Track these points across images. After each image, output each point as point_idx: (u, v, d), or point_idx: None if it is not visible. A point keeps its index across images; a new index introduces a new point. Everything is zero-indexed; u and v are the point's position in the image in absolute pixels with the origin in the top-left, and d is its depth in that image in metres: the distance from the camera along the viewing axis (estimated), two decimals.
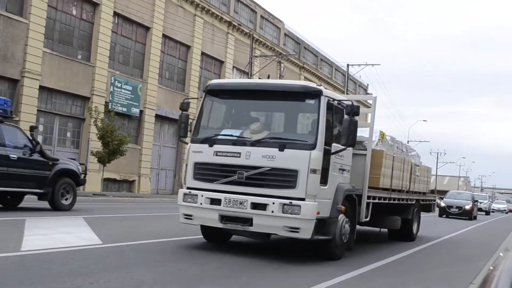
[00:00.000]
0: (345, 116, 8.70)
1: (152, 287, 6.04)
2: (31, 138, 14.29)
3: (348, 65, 55.76)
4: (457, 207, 32.52)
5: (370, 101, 11.41)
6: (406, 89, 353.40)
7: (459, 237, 18.37)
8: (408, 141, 78.82)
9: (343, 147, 8.71)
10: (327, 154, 8.52)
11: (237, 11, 45.07)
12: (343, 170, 9.27)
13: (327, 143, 8.54)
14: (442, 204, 33.09)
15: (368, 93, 77.41)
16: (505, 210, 71.73)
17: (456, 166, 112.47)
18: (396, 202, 12.43)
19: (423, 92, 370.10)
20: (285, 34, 54.42)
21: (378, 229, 14.71)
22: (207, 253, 9.03)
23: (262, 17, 49.19)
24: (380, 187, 11.26)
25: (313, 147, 8.25)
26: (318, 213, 8.24)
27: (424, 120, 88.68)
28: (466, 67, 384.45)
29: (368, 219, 10.48)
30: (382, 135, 11.84)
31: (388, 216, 12.93)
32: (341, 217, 8.87)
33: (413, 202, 14.01)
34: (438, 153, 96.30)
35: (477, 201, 36.19)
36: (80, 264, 7.08)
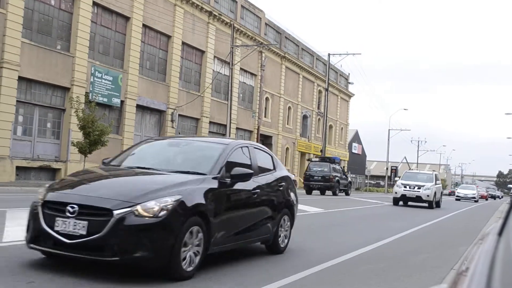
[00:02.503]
0: None
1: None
2: None
3: (329, 54, 55.93)
4: None
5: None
6: (388, 78, 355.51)
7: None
8: (389, 130, 79.53)
9: None
10: None
11: (217, 0, 44.85)
12: None
13: None
14: None
15: (349, 82, 77.73)
16: (474, 198, 53.68)
17: (436, 154, 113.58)
18: None
19: (404, 81, 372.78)
20: (266, 24, 54.34)
21: None
22: None
23: (242, 6, 49.03)
24: None
25: None
26: None
27: (405, 109, 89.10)
28: (448, 57, 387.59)
29: None
30: None
31: None
32: None
33: None
34: (419, 141, 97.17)
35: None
36: None
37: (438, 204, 30.12)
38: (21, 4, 26.70)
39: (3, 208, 11.85)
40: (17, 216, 10.87)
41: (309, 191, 39.43)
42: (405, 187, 28.62)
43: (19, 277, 5.62)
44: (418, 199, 28.17)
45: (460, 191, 55.54)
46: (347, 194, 42.18)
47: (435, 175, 30.76)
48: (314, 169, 40.28)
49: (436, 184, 29.53)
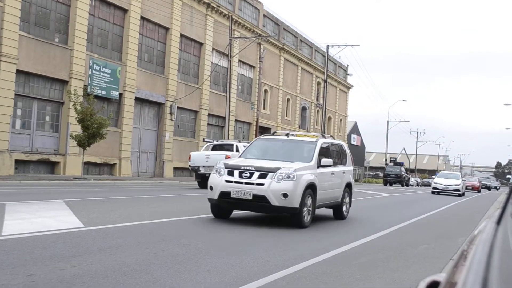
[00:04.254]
0: None
1: (134, 268, 6.06)
2: None
3: (328, 46, 55.77)
4: None
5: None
6: (386, 70, 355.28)
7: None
8: (388, 121, 79.54)
9: None
10: None
11: None
12: None
13: None
14: None
15: (348, 74, 77.61)
16: (457, 191, 37.60)
17: (435, 145, 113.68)
18: None
19: (402, 73, 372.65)
20: (264, 15, 54.18)
21: None
22: (190, 234, 9.06)
23: None
24: None
25: None
26: None
27: (403, 100, 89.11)
28: (445, 47, 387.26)
29: None
30: None
31: None
32: None
33: None
34: (418, 132, 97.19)
35: None
36: (62, 247, 7.07)
37: (338, 213, 13.92)
38: None
39: (2, 202, 11.86)
40: (16, 209, 10.88)
41: (385, 184, 60.37)
42: (230, 174, 11.49)
43: (18, 269, 5.63)
44: (259, 202, 11.13)
45: (438, 181, 39.06)
46: (407, 185, 61.98)
47: (321, 145, 13.23)
48: (390, 170, 62.77)
49: (320, 166, 12.33)
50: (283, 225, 11.44)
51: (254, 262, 7.03)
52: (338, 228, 11.88)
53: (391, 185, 58.21)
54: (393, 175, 60.35)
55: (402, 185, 59.55)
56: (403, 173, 62.33)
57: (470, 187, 52.12)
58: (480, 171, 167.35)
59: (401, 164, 65.83)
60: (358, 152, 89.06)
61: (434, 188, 39.04)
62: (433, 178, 48.74)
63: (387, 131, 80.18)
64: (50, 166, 29.16)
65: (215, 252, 7.50)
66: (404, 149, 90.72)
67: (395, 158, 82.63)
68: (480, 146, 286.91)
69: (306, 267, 6.96)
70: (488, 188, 78.76)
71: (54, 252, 6.70)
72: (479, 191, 53.23)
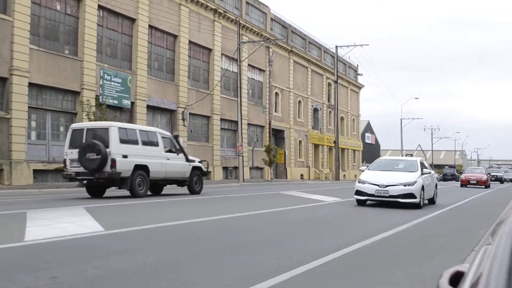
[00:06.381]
0: None
1: (156, 268, 6.07)
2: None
3: (336, 46, 55.77)
4: None
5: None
6: (396, 69, 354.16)
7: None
8: (401, 119, 79.34)
9: None
10: None
11: None
12: None
13: None
14: None
15: (358, 74, 77.47)
16: (410, 197, 16.20)
17: (451, 141, 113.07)
18: None
19: (412, 72, 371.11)
20: (272, 19, 54.27)
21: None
22: (213, 234, 9.07)
23: (247, 3, 48.98)
24: None
25: None
26: None
27: (416, 98, 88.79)
28: (454, 45, 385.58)
29: None
30: None
31: None
32: None
33: None
34: (432, 129, 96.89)
35: None
36: (84, 250, 7.10)
37: None
38: (27, 11, 26.84)
39: (23, 210, 11.96)
40: (37, 216, 10.96)
41: (444, 180, 69.68)
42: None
43: (42, 273, 5.66)
44: None
45: (367, 178, 17.12)
46: (456, 181, 67.68)
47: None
48: (447, 171, 76.11)
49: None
50: (302, 220, 11.43)
51: (275, 258, 7.02)
52: (356, 224, 11.85)
53: (446, 181, 69.67)
54: (449, 175, 74.16)
55: (456, 181, 67.59)
56: (456, 173, 75.62)
57: (475, 181, 41.12)
58: (498, 165, 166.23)
59: (453, 167, 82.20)
60: (374, 150, 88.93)
61: (357, 192, 17.20)
62: (445, 169, 71.20)
63: (401, 128, 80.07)
64: None
65: (234, 252, 7.49)
66: (419, 145, 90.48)
67: (411, 154, 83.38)
68: (497, 140, 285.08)
69: (327, 262, 6.93)
70: (500, 180, 63.49)
71: (76, 255, 6.74)
72: (487, 186, 41.07)
